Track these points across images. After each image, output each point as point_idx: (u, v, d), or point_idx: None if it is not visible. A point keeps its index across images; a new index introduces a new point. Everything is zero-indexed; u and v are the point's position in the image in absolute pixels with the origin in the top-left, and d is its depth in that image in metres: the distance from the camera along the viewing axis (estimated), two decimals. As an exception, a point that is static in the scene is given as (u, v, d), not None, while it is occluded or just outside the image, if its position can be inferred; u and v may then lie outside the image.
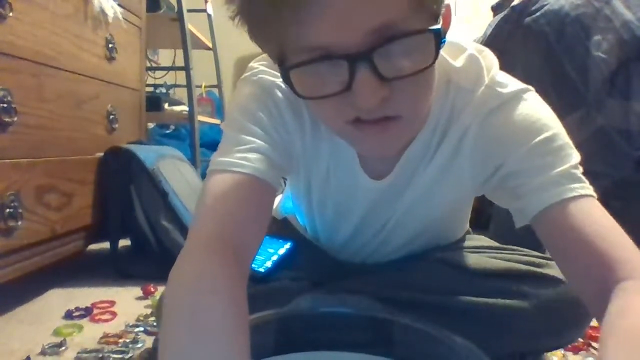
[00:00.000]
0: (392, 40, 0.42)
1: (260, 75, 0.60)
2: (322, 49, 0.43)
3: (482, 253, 0.75)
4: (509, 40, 1.34)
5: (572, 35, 1.19)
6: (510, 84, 0.58)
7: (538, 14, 1.26)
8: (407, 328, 0.61)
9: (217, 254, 0.45)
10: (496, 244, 0.79)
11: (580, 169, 0.54)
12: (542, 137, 0.54)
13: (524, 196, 0.54)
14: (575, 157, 0.54)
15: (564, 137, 0.56)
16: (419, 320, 0.61)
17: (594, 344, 0.82)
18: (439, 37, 0.44)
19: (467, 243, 0.80)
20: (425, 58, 0.45)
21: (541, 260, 0.71)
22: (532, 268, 0.69)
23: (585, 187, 0.53)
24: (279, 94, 0.59)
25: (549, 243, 0.54)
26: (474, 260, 0.72)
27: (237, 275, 0.45)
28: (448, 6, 0.49)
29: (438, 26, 0.45)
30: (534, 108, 0.57)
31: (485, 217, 1.36)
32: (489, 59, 0.59)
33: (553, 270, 0.68)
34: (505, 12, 1.38)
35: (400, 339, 0.61)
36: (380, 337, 0.62)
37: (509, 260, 0.71)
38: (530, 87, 0.59)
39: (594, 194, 0.53)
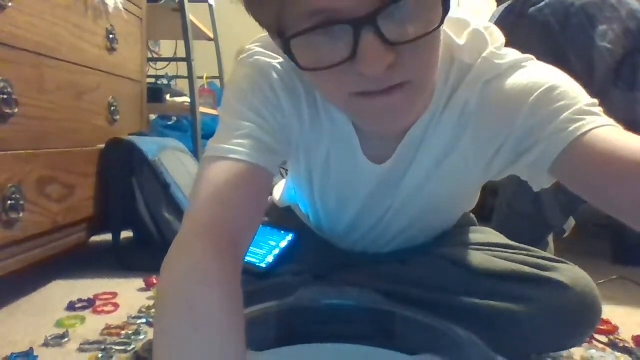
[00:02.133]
0: (397, 1, 0.40)
1: (256, 57, 0.58)
2: (323, 14, 0.41)
3: (488, 251, 0.73)
4: (513, 30, 1.32)
5: (577, 25, 1.17)
6: (510, 55, 0.56)
7: (542, 4, 1.24)
8: (408, 320, 0.61)
9: (213, 243, 0.45)
10: (503, 241, 0.77)
11: (599, 109, 0.50)
12: (541, 90, 0.52)
13: (539, 144, 0.51)
14: (588, 98, 0.51)
15: (569, 84, 0.52)
16: (420, 312, 0.61)
17: (597, 337, 0.82)
18: None
19: (473, 236, 0.79)
20: (432, 20, 0.43)
21: (548, 263, 0.69)
22: (538, 271, 0.67)
23: (606, 119, 0.49)
24: (275, 76, 0.57)
25: (581, 184, 0.50)
26: (479, 259, 0.71)
27: (233, 264, 0.45)
28: None
29: None
30: (531, 72, 0.54)
31: (487, 209, 1.35)
32: (495, 36, 0.57)
33: (560, 274, 0.67)
34: (510, 2, 1.36)
35: (402, 331, 0.61)
36: (382, 330, 0.62)
37: (515, 261, 0.70)
38: (530, 57, 0.56)
39: (618, 126, 0.49)
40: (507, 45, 0.59)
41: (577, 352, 0.76)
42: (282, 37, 0.45)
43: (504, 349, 0.62)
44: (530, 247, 0.74)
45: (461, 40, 0.56)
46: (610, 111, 0.51)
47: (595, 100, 0.51)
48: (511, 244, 0.76)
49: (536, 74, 0.54)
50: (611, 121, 0.49)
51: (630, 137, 0.47)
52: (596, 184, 0.49)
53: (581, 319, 0.66)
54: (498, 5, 1.47)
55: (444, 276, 0.70)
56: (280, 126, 0.57)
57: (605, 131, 0.48)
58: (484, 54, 0.55)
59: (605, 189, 0.48)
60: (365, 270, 0.73)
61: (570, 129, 0.49)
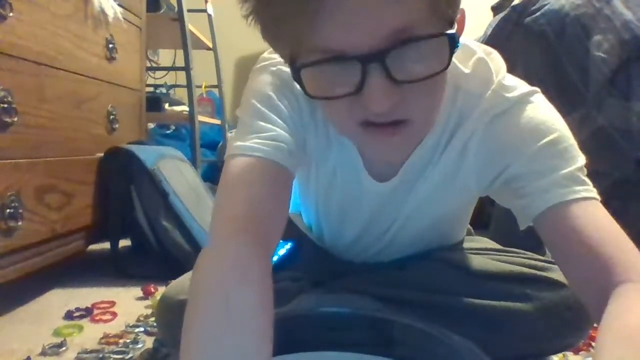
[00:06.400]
0: (405, 44, 0.42)
1: (279, 67, 0.59)
2: (334, 51, 0.43)
3: (485, 255, 0.74)
4: (509, 40, 1.33)
5: (573, 35, 1.19)
6: (517, 87, 0.58)
7: (538, 13, 1.26)
8: (407, 328, 0.61)
9: (249, 240, 0.46)
10: (498, 246, 0.79)
11: (585, 171, 0.54)
12: (546, 139, 0.54)
13: (527, 196, 0.54)
14: (580, 159, 0.54)
15: (569, 139, 0.55)
16: (419, 320, 0.61)
17: (594, 344, 0.82)
18: (453, 42, 0.44)
19: (469, 244, 0.80)
20: (439, 63, 0.44)
21: (544, 264, 0.71)
22: (534, 271, 0.69)
23: (589, 190, 0.52)
24: (298, 88, 0.58)
25: (550, 244, 0.54)
26: (476, 261, 0.72)
27: (267, 260, 0.46)
28: (462, 11, 0.48)
29: (452, 31, 0.44)
30: (539, 111, 0.57)
31: (485, 216, 1.36)
32: (497, 62, 0.59)
33: (556, 273, 0.68)
34: (506, 12, 1.38)
35: (400, 339, 0.61)
36: (380, 337, 0.62)
37: (511, 263, 0.71)
38: (536, 89, 0.59)
39: (598, 197, 0.53)
40: (503, 54, 0.60)
41: (574, 359, 0.76)
42: (293, 65, 0.47)
43: (503, 350, 0.63)
44: (526, 251, 0.76)
45: (467, 69, 0.58)
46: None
47: (584, 162, 0.55)
48: (506, 249, 0.77)
49: (542, 115, 0.56)
50: (593, 192, 0.53)
51: (600, 222, 0.50)
52: (557, 252, 0.54)
53: (577, 317, 0.67)
54: (494, 15, 1.49)
55: (443, 278, 0.71)
56: (299, 135, 0.58)
57: (584, 207, 0.51)
58: (493, 87, 0.57)
59: (563, 259, 0.53)
60: (364, 276, 0.74)
61: (556, 193, 0.52)
